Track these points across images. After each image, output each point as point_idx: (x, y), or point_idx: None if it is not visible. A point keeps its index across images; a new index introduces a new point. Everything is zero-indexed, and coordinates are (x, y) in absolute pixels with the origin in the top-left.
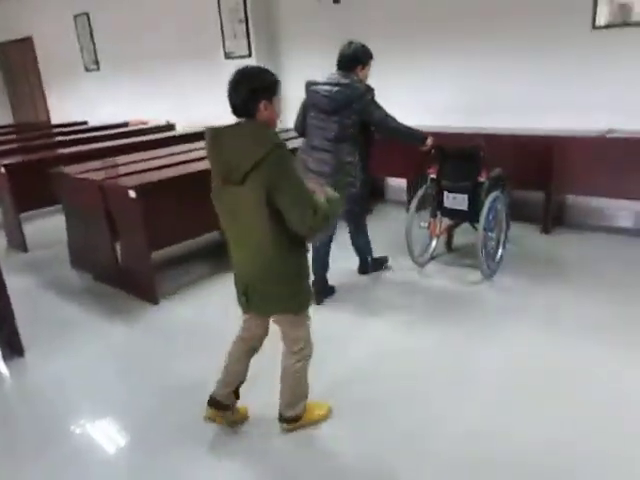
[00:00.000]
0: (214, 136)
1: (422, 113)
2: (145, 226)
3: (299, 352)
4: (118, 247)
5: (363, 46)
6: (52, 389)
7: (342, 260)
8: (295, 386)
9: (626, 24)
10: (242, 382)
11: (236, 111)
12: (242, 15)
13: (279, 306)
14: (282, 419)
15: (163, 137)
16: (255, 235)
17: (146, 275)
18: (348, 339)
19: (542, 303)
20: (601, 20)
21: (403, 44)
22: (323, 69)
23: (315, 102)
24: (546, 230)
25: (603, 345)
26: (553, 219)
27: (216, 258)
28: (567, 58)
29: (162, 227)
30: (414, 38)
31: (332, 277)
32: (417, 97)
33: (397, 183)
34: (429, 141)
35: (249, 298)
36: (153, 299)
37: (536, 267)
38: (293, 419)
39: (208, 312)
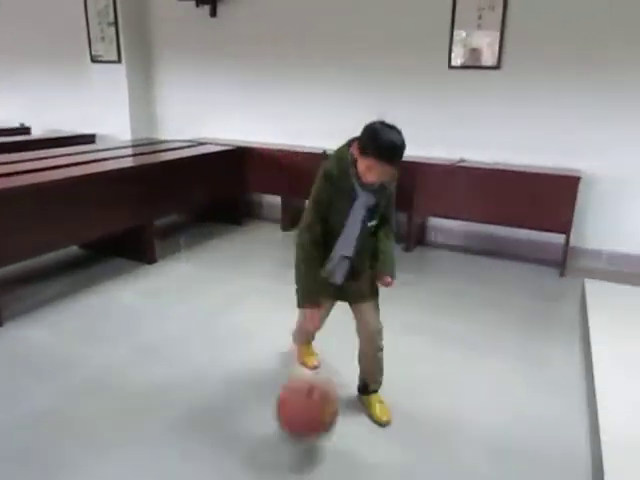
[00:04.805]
0: None
1: (280, 132)
2: None
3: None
4: None
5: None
6: None
7: None
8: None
9: (476, 67)
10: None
11: None
12: (112, 18)
13: None
14: None
15: (15, 141)
16: None
17: None
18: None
19: None
20: (457, 61)
21: (275, 65)
22: (196, 82)
23: None
24: (408, 248)
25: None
26: (415, 239)
27: (75, 275)
28: (426, 92)
29: (10, 240)
30: (286, 60)
31: None
32: (282, 116)
33: (273, 200)
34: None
35: None
36: None
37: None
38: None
39: (63, 334)
